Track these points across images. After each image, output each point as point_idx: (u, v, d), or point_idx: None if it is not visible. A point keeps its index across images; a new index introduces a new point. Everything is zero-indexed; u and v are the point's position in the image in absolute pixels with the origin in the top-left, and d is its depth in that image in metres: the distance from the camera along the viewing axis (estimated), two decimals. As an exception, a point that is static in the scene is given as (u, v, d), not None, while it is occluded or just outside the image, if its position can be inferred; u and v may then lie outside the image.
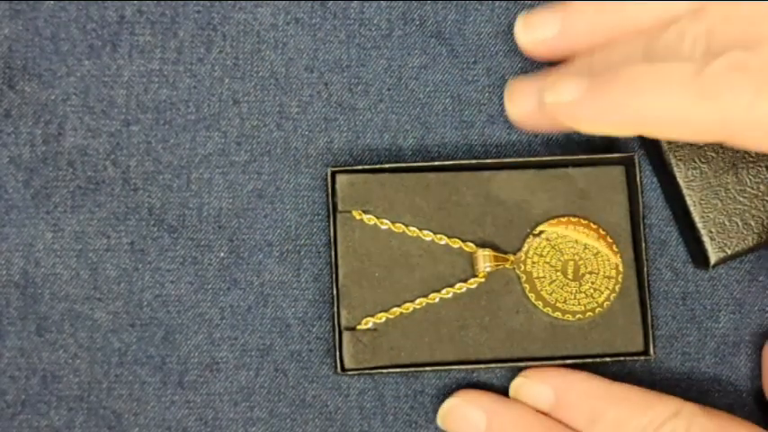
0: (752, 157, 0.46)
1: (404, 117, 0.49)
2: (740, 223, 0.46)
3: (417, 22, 0.49)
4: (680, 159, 0.46)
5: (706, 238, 0.46)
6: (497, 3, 0.49)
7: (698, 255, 0.47)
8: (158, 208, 0.48)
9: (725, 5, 0.41)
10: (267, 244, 0.48)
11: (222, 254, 0.48)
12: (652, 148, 0.47)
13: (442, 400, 0.47)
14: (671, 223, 0.48)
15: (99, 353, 0.47)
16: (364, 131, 0.49)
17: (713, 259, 0.46)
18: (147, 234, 0.48)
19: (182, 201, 0.48)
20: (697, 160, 0.46)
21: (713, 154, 0.46)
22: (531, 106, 0.44)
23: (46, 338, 0.47)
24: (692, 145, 0.46)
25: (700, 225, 0.46)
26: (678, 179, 0.46)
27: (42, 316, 0.47)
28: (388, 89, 0.49)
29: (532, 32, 0.45)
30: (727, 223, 0.46)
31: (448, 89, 0.49)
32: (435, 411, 0.47)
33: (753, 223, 0.46)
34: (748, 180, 0.46)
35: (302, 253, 0.48)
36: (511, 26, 0.49)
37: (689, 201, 0.46)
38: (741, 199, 0.46)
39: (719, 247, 0.46)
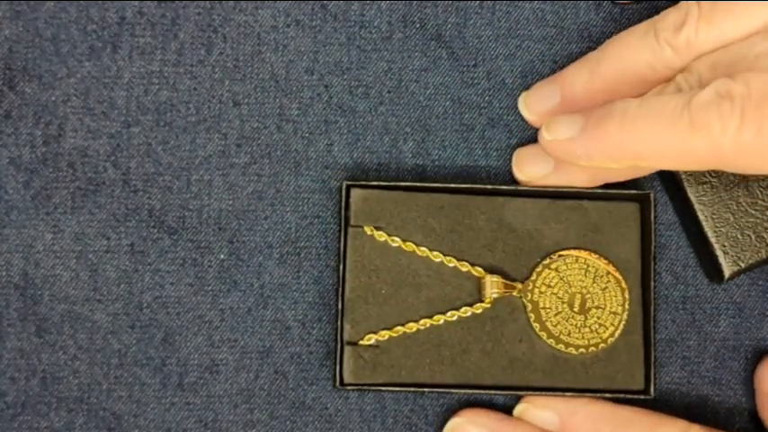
0: None
1: (404, 120, 0.49)
2: (753, 236, 0.46)
3: (418, 25, 0.49)
4: (690, 174, 0.46)
5: (719, 253, 0.46)
6: (498, 5, 0.49)
7: (711, 269, 0.47)
8: (158, 209, 0.48)
9: (708, 56, 0.43)
10: (267, 246, 0.48)
11: (222, 256, 0.48)
12: None
13: (443, 404, 0.47)
14: (672, 227, 0.48)
15: (99, 354, 0.47)
16: (364, 134, 0.49)
17: (727, 273, 0.46)
18: (147, 236, 0.48)
19: (182, 202, 0.48)
20: (707, 175, 0.46)
21: None
22: (541, 172, 0.46)
23: (46, 340, 0.47)
24: None
25: (713, 239, 0.46)
26: (689, 194, 0.46)
27: (42, 317, 0.47)
28: (389, 92, 0.49)
29: (536, 107, 0.47)
30: (739, 237, 0.46)
31: (448, 92, 0.49)
32: (435, 415, 0.47)
33: (766, 236, 0.46)
34: (759, 192, 0.46)
35: (302, 255, 0.48)
36: (511, 29, 0.49)
37: (701, 216, 0.46)
38: (753, 212, 0.46)
39: (733, 261, 0.46)
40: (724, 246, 0.46)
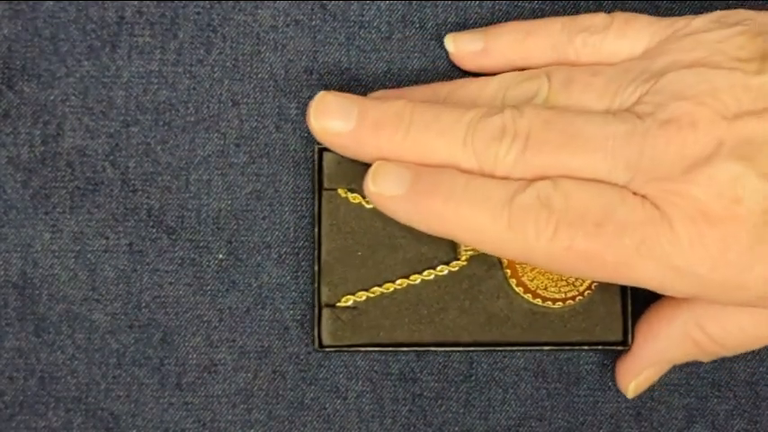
0: None
1: (403, 120, 0.49)
2: None
3: (417, 25, 0.49)
4: None
5: None
6: (497, 5, 0.49)
7: None
8: (157, 209, 0.48)
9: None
10: (266, 246, 0.48)
11: (221, 255, 0.48)
12: None
13: (442, 404, 0.47)
14: (671, 227, 0.48)
15: (97, 354, 0.47)
16: (364, 134, 0.48)
17: None
18: (146, 235, 0.48)
19: (180, 202, 0.48)
20: None
21: None
22: (339, 129, 0.43)
23: (44, 339, 0.47)
24: None
25: None
26: None
27: (40, 317, 0.47)
28: (388, 92, 0.49)
29: (460, 47, 0.47)
30: None
31: (448, 92, 0.49)
32: (434, 416, 0.47)
33: None
34: None
35: (301, 255, 0.48)
36: (511, 29, 0.49)
37: None
38: None
39: None
40: None
